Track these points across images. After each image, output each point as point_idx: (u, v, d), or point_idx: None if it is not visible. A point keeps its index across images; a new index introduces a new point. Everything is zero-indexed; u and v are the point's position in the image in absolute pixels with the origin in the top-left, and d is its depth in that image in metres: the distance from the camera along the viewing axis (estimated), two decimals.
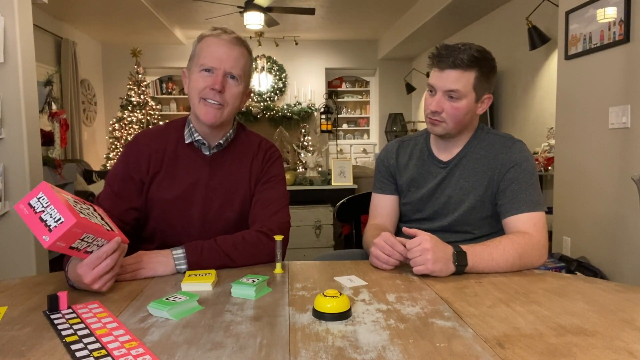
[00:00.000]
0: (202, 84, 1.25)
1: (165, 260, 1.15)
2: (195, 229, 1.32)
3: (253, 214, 1.35)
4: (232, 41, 1.27)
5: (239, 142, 1.39)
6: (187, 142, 1.33)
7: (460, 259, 1.13)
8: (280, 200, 1.36)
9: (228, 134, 1.35)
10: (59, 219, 0.88)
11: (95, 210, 1.05)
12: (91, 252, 0.97)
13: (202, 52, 1.26)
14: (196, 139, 1.32)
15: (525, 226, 1.26)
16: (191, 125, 1.34)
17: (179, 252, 1.17)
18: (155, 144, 1.34)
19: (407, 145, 1.53)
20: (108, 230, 0.99)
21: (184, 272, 1.12)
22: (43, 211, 0.89)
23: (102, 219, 1.04)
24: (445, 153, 1.43)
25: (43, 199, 0.90)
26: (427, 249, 1.11)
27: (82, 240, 0.93)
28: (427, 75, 7.63)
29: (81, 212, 0.94)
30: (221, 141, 1.34)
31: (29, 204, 0.90)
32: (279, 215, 1.32)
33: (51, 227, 0.88)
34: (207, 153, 1.34)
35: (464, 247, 1.16)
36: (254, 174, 1.37)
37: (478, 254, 1.15)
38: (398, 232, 1.54)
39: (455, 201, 1.39)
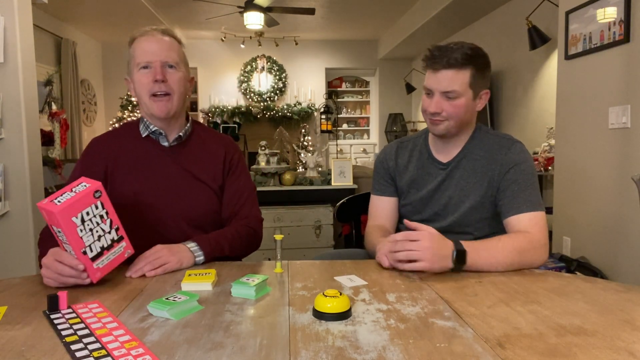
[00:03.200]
0: (145, 81, 1.30)
1: (185, 254, 1.21)
2: (170, 217, 1.33)
3: (230, 207, 1.41)
4: (159, 34, 1.33)
5: (197, 135, 1.44)
6: (143, 135, 1.37)
7: (459, 257, 1.13)
8: (253, 193, 1.47)
9: (186, 128, 1.40)
10: (60, 202, 0.99)
11: (111, 232, 1.08)
12: (66, 249, 1.04)
13: (135, 52, 1.32)
14: (152, 130, 1.36)
15: (526, 226, 1.27)
16: (145, 120, 1.38)
17: (193, 245, 1.24)
18: (110, 144, 1.38)
19: (406, 146, 1.52)
20: (83, 253, 1.02)
21: (202, 264, 1.22)
22: (70, 191, 1.03)
23: (104, 247, 1.06)
24: (444, 154, 1.43)
25: (82, 187, 1.04)
26: (427, 247, 1.11)
27: (59, 232, 1.02)
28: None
29: (83, 221, 1.02)
30: (181, 134, 1.38)
31: (82, 183, 1.05)
32: (255, 210, 1.45)
33: (55, 201, 1.00)
34: (166, 144, 1.38)
35: (464, 243, 1.16)
36: (221, 166, 1.42)
37: (478, 251, 1.16)
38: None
39: (455, 202, 1.39)
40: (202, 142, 1.43)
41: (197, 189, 1.37)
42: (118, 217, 1.10)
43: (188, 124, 1.41)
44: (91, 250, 1.04)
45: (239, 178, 1.44)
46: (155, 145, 1.37)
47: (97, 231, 1.05)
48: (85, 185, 1.05)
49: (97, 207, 1.05)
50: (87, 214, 1.03)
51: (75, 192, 1.03)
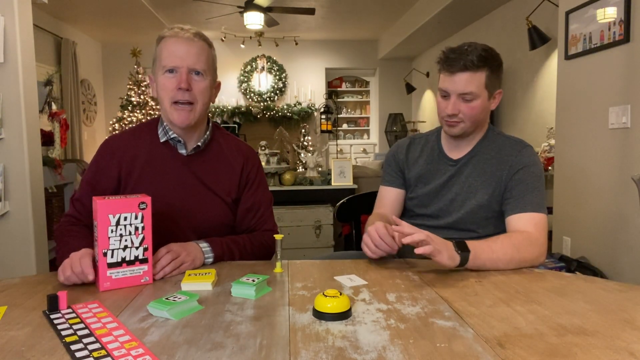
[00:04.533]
0: (169, 86, 1.25)
1: (198, 254, 1.21)
2: (178, 227, 1.31)
3: (247, 221, 1.40)
4: (190, 37, 1.26)
5: (217, 144, 1.40)
6: (161, 140, 1.33)
7: (461, 246, 1.14)
8: (270, 206, 1.45)
9: (205, 136, 1.36)
10: (108, 199, 1.05)
11: (138, 249, 1.07)
12: (86, 237, 1.08)
13: (162, 54, 1.26)
14: (171, 137, 1.32)
15: (526, 225, 1.28)
16: (165, 124, 1.33)
17: (205, 245, 1.23)
18: (126, 147, 1.33)
19: (418, 142, 1.55)
20: (104, 254, 1.03)
21: (210, 264, 1.23)
22: (124, 195, 1.09)
23: (125, 260, 1.06)
24: (456, 152, 1.45)
25: (134, 196, 1.09)
26: (430, 236, 1.11)
27: (95, 227, 1.04)
28: (427, 75, 7.62)
29: (118, 223, 1.04)
30: (199, 143, 1.34)
31: (137, 195, 1.10)
32: (271, 223, 1.43)
33: (106, 197, 1.07)
34: (184, 152, 1.34)
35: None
36: (237, 179, 1.38)
37: (478, 245, 1.17)
38: None
39: (461, 199, 1.40)
40: (220, 152, 1.39)
41: (210, 201, 1.34)
42: None
43: (207, 132, 1.36)
44: (111, 256, 1.04)
45: (256, 191, 1.41)
46: (172, 152, 1.33)
47: (125, 240, 1.05)
48: (137, 195, 1.09)
49: (136, 218, 1.06)
50: (125, 219, 1.05)
51: (126, 196, 1.07)
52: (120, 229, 1.04)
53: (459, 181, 1.42)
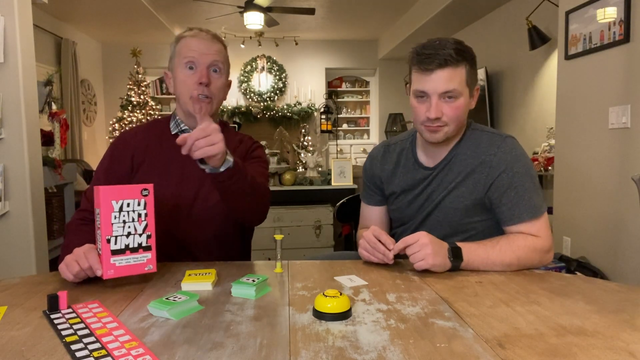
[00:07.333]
0: (189, 82, 1.31)
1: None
2: (182, 215, 1.34)
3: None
4: (210, 38, 1.35)
5: (225, 137, 1.39)
6: (173, 132, 1.39)
7: (455, 254, 1.14)
8: (266, 175, 1.48)
9: None
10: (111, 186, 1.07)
11: (141, 236, 1.07)
12: (94, 237, 1.07)
13: (183, 50, 1.33)
14: (183, 129, 1.38)
15: (528, 232, 1.23)
16: (177, 118, 1.41)
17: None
18: (139, 137, 1.41)
19: (393, 149, 1.46)
20: (107, 241, 1.03)
21: (231, 165, 1.14)
22: (127, 184, 1.13)
23: (128, 247, 1.05)
24: (431, 158, 1.36)
25: (137, 183, 1.13)
26: (426, 243, 1.12)
27: (97, 215, 1.04)
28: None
29: (121, 210, 1.04)
30: None
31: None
32: (267, 185, 1.43)
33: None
34: None
35: (459, 243, 1.16)
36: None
37: (473, 251, 1.16)
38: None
39: (443, 206, 1.34)
40: (227, 143, 1.40)
41: (212, 190, 1.33)
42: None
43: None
44: (115, 243, 1.04)
45: (253, 164, 1.41)
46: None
47: (129, 227, 1.05)
48: (139, 183, 1.10)
49: (139, 204, 1.06)
50: (128, 205, 1.05)
51: (129, 184, 1.10)
52: (124, 215, 1.04)
53: (439, 188, 1.33)
